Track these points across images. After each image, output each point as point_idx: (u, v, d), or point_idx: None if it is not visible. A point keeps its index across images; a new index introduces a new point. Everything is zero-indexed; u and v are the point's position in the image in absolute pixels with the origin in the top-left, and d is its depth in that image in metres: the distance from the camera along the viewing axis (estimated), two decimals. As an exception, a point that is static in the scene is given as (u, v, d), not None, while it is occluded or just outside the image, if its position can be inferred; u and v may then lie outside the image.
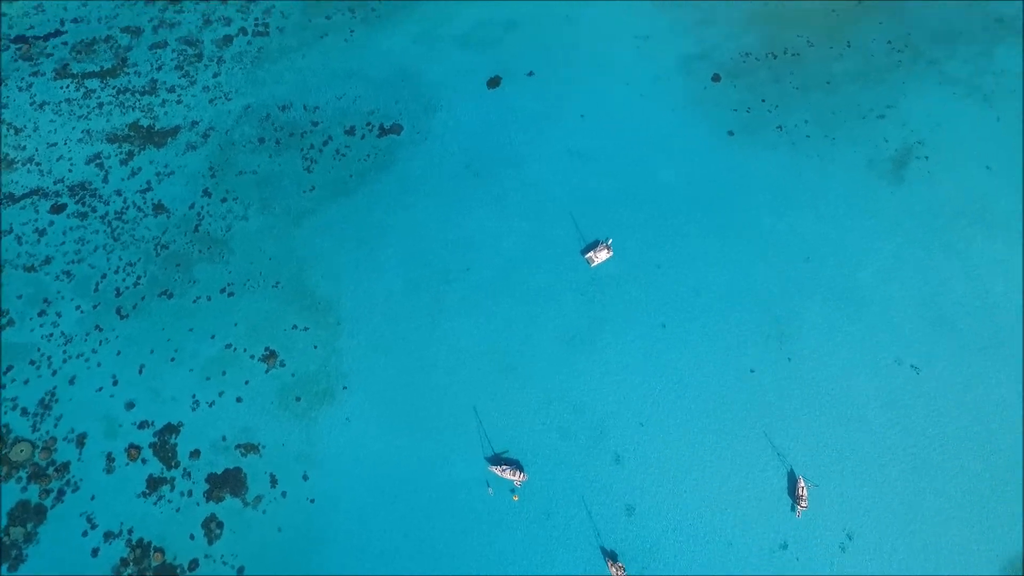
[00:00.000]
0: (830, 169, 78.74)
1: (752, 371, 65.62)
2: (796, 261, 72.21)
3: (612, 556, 57.24)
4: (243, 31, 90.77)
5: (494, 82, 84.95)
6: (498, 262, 71.67)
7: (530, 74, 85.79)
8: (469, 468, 60.66)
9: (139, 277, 71.36)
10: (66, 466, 60.50)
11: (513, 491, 59.72)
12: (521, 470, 60.17)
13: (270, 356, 66.27)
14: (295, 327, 68.06)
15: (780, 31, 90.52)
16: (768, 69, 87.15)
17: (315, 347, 66.93)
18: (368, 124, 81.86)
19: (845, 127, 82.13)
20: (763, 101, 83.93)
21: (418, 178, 77.55)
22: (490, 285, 70.23)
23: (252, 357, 66.35)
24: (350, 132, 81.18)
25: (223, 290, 70.30)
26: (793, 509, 59.19)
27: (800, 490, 59.49)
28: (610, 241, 71.35)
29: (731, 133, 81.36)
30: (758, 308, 69.09)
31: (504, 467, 60.08)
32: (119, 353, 66.57)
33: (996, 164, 78.76)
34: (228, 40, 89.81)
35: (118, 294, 70.26)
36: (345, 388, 64.68)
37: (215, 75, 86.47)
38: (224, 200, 76.33)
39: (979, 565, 56.43)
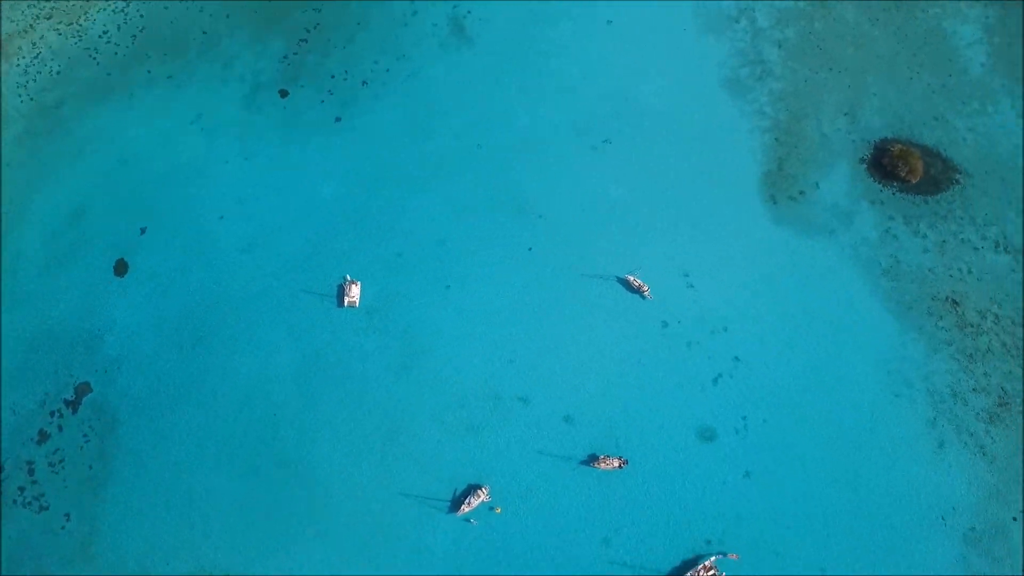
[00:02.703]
0: (420, 79, 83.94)
1: (530, 249, 71.28)
2: (471, 151, 78.35)
3: (593, 459, 60.66)
4: None
5: (121, 268, 75.25)
6: (287, 380, 67.13)
7: (143, 231, 77.14)
8: (446, 529, 59.45)
9: None
10: None
11: (491, 508, 59.53)
12: (480, 487, 59.88)
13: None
14: (195, 625, 57.98)
15: (285, 17, 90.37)
16: (310, 52, 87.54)
17: (231, 616, 58.03)
18: (52, 413, 68.44)
19: (395, 44, 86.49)
20: (333, 77, 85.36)
21: (150, 402, 67.58)
22: (300, 405, 65.90)
23: None
24: (43, 438, 67.33)
25: None
26: (644, 298, 67.31)
27: (634, 282, 67.64)
28: (348, 276, 70.04)
29: (338, 119, 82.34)
30: (492, 206, 74.67)
31: (468, 500, 59.44)
32: None
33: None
34: None
35: None
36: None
37: None
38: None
39: (743, 180, 73.67)
